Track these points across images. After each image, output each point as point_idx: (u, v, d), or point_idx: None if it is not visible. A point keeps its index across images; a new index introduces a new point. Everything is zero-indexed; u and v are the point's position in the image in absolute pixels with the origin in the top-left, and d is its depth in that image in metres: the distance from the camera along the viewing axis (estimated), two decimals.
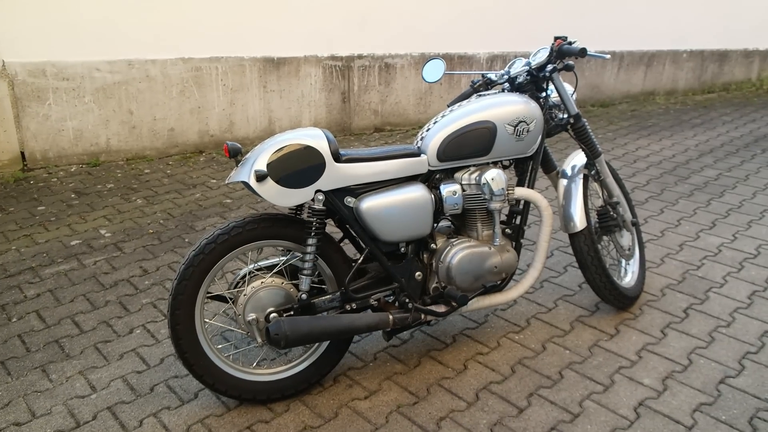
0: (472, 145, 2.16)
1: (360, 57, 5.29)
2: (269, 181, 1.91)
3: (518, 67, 2.37)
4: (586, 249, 2.41)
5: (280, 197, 1.94)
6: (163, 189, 4.14)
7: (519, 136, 2.21)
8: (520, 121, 2.21)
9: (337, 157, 2.00)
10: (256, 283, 2.02)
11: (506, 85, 2.40)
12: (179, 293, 1.92)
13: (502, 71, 2.41)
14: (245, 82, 4.89)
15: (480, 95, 2.32)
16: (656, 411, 2.05)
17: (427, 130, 2.19)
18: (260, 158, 1.91)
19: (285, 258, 2.11)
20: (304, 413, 2.07)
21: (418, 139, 2.21)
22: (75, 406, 2.11)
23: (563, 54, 2.25)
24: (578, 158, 2.54)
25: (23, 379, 2.25)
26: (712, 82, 7.26)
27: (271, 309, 2.02)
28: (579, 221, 2.40)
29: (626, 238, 2.65)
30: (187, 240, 3.37)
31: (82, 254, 3.22)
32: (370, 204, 2.04)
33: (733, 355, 2.32)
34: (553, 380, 2.21)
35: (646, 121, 5.98)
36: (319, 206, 2.00)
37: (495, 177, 2.15)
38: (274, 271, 2.07)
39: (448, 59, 5.64)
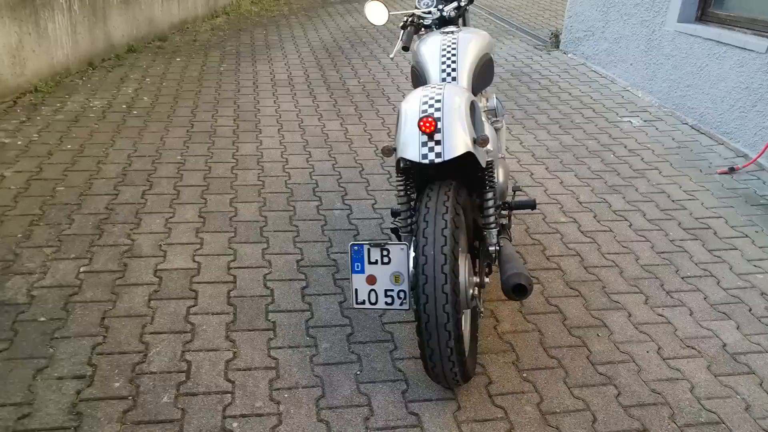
0: (486, 75, 2.44)
1: None
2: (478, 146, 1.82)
3: (435, 4, 2.62)
4: None
5: (482, 157, 1.87)
6: None
7: (494, 62, 2.61)
8: (493, 51, 2.59)
9: None
10: None
11: (428, 21, 2.62)
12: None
13: (431, 9, 2.60)
14: None
15: (443, 32, 2.50)
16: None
17: (452, 70, 2.30)
18: (465, 125, 1.82)
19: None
20: (494, 361, 2.16)
21: (446, 78, 2.28)
22: None
23: None
24: None
25: None
26: (215, 8, 7.92)
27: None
28: None
29: None
30: None
31: None
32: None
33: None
34: None
35: (223, 48, 6.24)
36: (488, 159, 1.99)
37: (498, 99, 2.53)
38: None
39: None
